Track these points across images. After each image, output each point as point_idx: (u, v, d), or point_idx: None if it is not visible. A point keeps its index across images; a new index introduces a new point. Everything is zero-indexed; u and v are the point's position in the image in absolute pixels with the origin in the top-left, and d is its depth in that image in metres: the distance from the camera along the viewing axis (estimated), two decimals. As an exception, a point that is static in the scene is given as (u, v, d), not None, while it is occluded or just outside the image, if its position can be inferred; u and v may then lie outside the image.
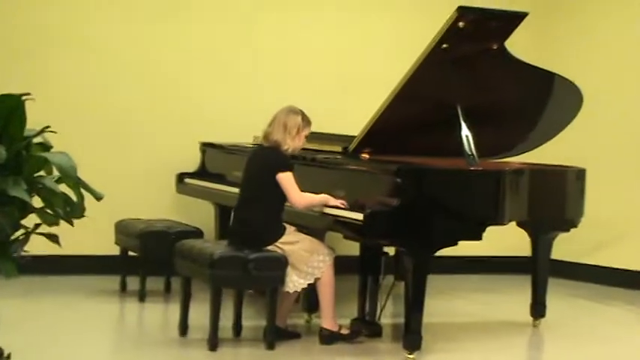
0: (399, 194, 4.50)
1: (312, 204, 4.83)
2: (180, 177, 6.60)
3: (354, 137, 5.30)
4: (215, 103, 6.97)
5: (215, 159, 6.51)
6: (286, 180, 4.77)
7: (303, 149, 5.08)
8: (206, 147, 6.62)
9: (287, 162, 4.83)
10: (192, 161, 6.68)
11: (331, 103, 7.07)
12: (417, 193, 4.57)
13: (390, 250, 5.27)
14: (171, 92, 6.89)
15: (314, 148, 5.43)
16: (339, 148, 5.42)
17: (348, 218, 4.62)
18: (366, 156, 5.26)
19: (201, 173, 6.56)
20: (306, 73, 7.15)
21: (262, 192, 4.83)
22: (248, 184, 4.94)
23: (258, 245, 4.80)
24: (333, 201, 4.80)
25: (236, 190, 5.09)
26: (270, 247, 4.82)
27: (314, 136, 5.10)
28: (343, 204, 4.77)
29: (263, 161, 4.88)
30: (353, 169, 5.01)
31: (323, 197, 4.83)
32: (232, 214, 5.09)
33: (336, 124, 6.11)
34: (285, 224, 4.89)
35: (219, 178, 6.22)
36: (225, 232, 5.49)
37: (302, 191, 4.80)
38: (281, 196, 4.81)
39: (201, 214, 6.65)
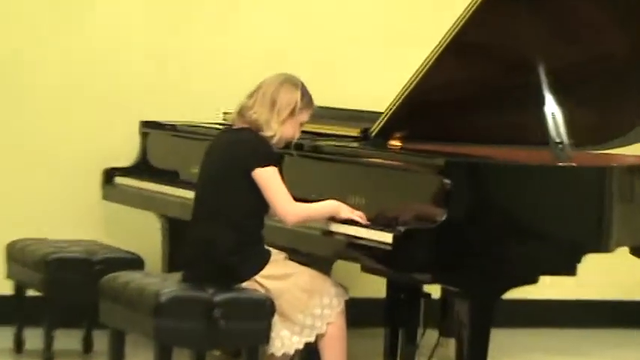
0: (447, 203, 4.47)
1: (312, 217, 4.85)
2: (109, 174, 6.64)
3: (378, 115, 5.29)
4: (164, 65, 7.05)
5: (162, 147, 6.56)
6: (268, 179, 4.77)
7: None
8: (149, 128, 6.65)
9: (269, 152, 4.84)
10: (128, 150, 6.71)
11: (343, 63, 7.16)
12: (475, 202, 4.54)
13: (434, 290, 5.26)
14: (99, 54, 6.97)
15: (317, 130, 5.45)
16: (355, 132, 5.40)
17: (370, 240, 4.59)
18: (397, 143, 5.25)
19: (141, 169, 6.60)
20: (303, 21, 7.25)
21: (232, 198, 4.82)
22: (210, 185, 4.92)
23: (227, 280, 4.77)
24: (345, 212, 4.77)
25: (193, 194, 5.09)
26: (246, 284, 4.80)
27: (317, 113, 5.08)
28: (361, 217, 4.75)
29: (233, 150, 4.88)
30: (377, 165, 4.98)
31: (329, 206, 4.82)
32: (188, 231, 5.04)
33: (348, 97, 6.23)
34: (269, 248, 4.87)
35: (169, 177, 6.27)
36: (178, 260, 5.44)
37: (295, 199, 4.79)
38: (261, 205, 4.81)
39: (140, 233, 6.72)
